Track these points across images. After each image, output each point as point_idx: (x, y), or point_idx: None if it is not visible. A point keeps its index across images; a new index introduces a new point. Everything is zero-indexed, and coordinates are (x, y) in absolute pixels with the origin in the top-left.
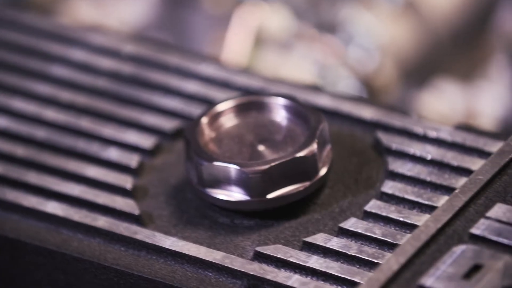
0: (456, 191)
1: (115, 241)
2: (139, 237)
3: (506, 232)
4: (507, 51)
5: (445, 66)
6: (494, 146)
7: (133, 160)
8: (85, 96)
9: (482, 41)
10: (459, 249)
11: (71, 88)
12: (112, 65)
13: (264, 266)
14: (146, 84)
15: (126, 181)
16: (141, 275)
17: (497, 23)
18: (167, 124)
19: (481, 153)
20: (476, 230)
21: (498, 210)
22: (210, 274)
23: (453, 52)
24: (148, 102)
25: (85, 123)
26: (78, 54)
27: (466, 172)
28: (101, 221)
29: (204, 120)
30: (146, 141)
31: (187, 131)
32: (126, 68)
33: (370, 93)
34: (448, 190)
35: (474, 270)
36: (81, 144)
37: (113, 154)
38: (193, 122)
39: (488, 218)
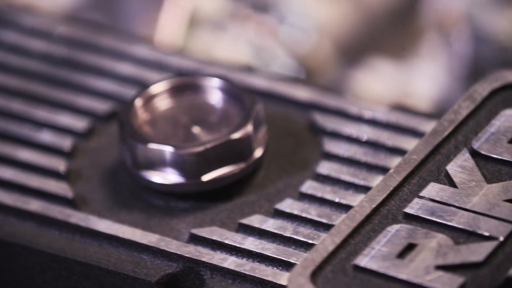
0: (391, 171)
1: (48, 224)
2: (73, 220)
3: (440, 211)
4: (439, 30)
5: (381, 45)
6: (428, 126)
7: (66, 143)
8: (17, 78)
9: (417, 20)
10: (393, 228)
11: (2, 70)
12: (45, 47)
13: (200, 248)
14: (79, 66)
15: (59, 164)
16: (75, 258)
17: (429, 1)
18: (101, 106)
19: (416, 133)
20: (410, 209)
21: (431, 190)
22: (146, 257)
23: (389, 31)
24: (81, 84)
25: (17, 105)
26: (10, 36)
27: (401, 152)
28: (34, 205)
29: (138, 102)
30: (79, 123)
31: (121, 113)
32: (59, 50)
33: (306, 73)
34: (383, 170)
35: (408, 249)
36: (13, 127)
37: (46, 137)
38: (127, 104)
39: (421, 197)
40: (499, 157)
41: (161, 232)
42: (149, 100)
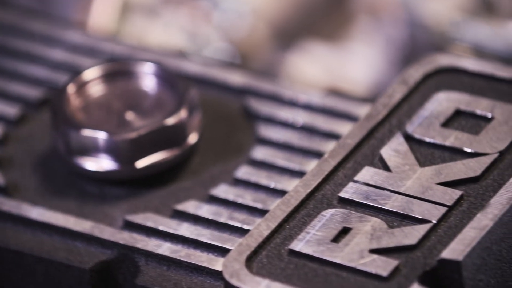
0: (325, 155)
1: None
2: (4, 208)
3: (374, 195)
4: (372, 14)
5: (316, 28)
6: (363, 110)
7: None
8: None
9: (351, 4)
10: (328, 213)
11: None
12: None
13: (134, 235)
14: (10, 51)
15: None
16: (7, 247)
17: None
18: (33, 93)
19: (351, 117)
20: (344, 193)
21: (366, 174)
22: (79, 244)
23: (323, 14)
24: (13, 70)
25: None
26: None
27: (336, 136)
28: None
29: (71, 88)
30: (11, 110)
31: (54, 99)
32: None
33: (241, 57)
34: (318, 155)
35: (343, 233)
36: None
37: None
38: (59, 90)
39: (356, 181)
40: (432, 140)
41: (95, 219)
42: (82, 86)
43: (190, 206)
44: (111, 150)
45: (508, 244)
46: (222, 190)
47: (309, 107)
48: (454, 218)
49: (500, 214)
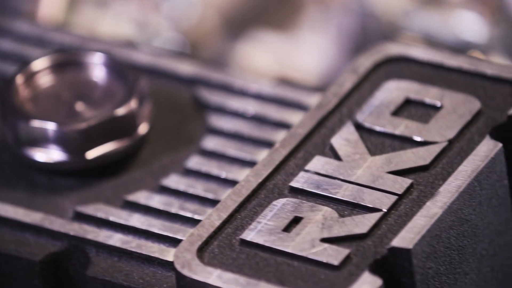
0: (276, 145)
1: None
2: None
3: (325, 184)
4: (321, 3)
5: (267, 17)
6: (314, 99)
7: None
8: None
9: None
10: (279, 202)
11: None
12: None
13: (85, 226)
14: None
15: None
16: None
17: None
18: None
19: (302, 107)
20: (296, 183)
21: (317, 163)
22: (29, 236)
23: (274, 3)
24: None
25: None
26: None
27: (287, 126)
28: None
29: (19, 78)
30: None
31: (2, 90)
32: None
33: (192, 47)
34: (269, 144)
35: (294, 222)
36: None
37: None
38: (8, 81)
39: (307, 171)
40: (382, 129)
41: (45, 210)
42: (30, 77)
43: (141, 197)
44: (61, 141)
45: (456, 232)
46: (173, 181)
47: (259, 97)
48: (404, 206)
49: (449, 202)
